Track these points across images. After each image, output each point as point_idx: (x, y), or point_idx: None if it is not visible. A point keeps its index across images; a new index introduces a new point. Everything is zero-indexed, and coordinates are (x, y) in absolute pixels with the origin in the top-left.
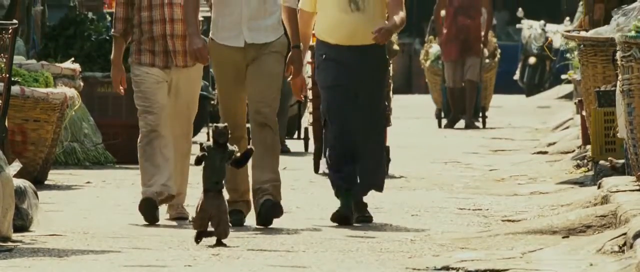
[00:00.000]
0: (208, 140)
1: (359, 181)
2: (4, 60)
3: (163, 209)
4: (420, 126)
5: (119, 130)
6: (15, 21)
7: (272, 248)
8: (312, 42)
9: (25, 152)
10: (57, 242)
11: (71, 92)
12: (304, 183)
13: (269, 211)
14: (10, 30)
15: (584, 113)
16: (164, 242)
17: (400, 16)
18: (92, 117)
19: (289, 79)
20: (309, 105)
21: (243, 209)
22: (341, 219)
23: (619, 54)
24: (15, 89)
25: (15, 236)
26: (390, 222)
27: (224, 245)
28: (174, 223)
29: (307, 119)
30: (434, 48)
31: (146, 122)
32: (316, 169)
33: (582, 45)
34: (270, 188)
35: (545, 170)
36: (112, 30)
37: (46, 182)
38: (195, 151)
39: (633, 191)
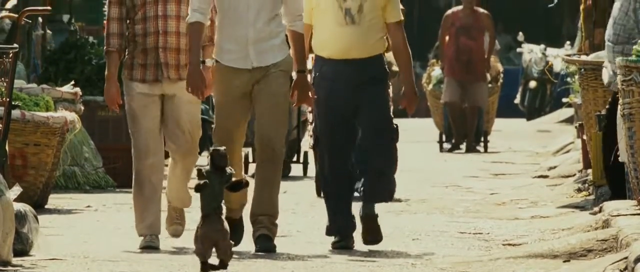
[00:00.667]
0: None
1: (365, 194)
2: (5, 84)
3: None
4: (421, 150)
5: (119, 154)
6: (15, 45)
7: None
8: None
9: (26, 176)
10: (57, 266)
11: (71, 116)
12: (305, 207)
13: (263, 247)
14: (11, 55)
15: (584, 137)
16: (164, 266)
17: (403, 55)
18: (92, 141)
19: (293, 105)
20: (310, 128)
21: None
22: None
23: (619, 78)
24: (15, 113)
25: (15, 260)
26: (391, 247)
27: (226, 267)
28: (175, 247)
29: (309, 143)
30: (436, 71)
31: (134, 144)
32: (318, 193)
33: (582, 69)
34: (267, 222)
35: (546, 194)
36: (105, 47)
37: (46, 206)
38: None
39: (634, 215)
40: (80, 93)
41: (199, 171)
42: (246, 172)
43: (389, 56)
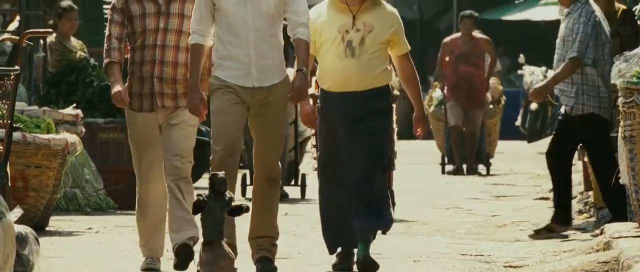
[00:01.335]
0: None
1: (362, 227)
2: (6, 106)
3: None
4: (422, 171)
5: (120, 176)
6: (17, 67)
7: None
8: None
9: (27, 198)
10: None
11: (73, 138)
12: (306, 228)
13: (264, 269)
14: (12, 77)
15: (586, 159)
16: None
17: (413, 82)
18: (93, 163)
19: (290, 99)
20: (312, 150)
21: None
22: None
23: (620, 100)
24: (17, 135)
25: None
26: (392, 269)
27: None
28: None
29: (313, 165)
30: (438, 93)
31: (137, 171)
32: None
33: None
34: (267, 244)
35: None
36: (106, 59)
37: (47, 229)
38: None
39: (635, 237)
40: (82, 115)
41: (198, 196)
42: (244, 194)
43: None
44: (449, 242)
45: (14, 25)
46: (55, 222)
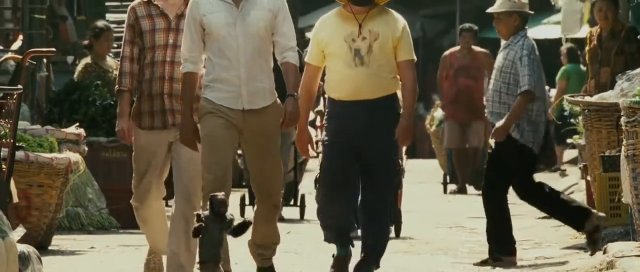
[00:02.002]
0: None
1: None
2: (9, 125)
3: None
4: (425, 190)
5: (123, 195)
6: (20, 86)
7: None
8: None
9: (29, 218)
10: None
11: (75, 157)
12: (308, 248)
13: None
14: (15, 96)
15: (589, 178)
16: None
17: (409, 91)
18: (96, 182)
19: (282, 126)
20: (312, 168)
21: None
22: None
23: (623, 119)
24: (19, 154)
25: None
26: None
27: None
28: None
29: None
30: (439, 112)
31: (137, 187)
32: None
33: (586, 110)
34: (270, 253)
35: (551, 235)
36: (117, 86)
37: (50, 248)
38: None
39: (638, 256)
40: (84, 134)
41: (198, 216)
42: (242, 214)
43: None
44: (452, 261)
45: (17, 44)
46: (58, 241)
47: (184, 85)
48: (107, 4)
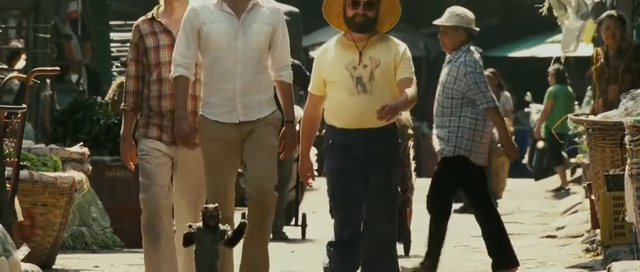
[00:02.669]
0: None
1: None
2: (13, 144)
3: None
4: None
5: (127, 214)
6: (24, 105)
7: None
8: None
9: (34, 237)
10: None
11: (79, 176)
12: (312, 267)
13: None
14: (20, 115)
15: (593, 197)
16: None
17: (407, 93)
18: (100, 201)
19: (281, 156)
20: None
21: None
22: None
23: (627, 138)
24: (23, 173)
25: None
26: None
27: None
28: None
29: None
30: None
31: (145, 200)
32: None
33: (590, 129)
34: None
35: (555, 254)
36: (122, 104)
37: (54, 267)
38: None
39: None
40: (89, 153)
41: (190, 226)
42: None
43: (404, 119)
44: None
45: (21, 63)
46: (62, 260)
47: (177, 90)
48: (111, 23)
